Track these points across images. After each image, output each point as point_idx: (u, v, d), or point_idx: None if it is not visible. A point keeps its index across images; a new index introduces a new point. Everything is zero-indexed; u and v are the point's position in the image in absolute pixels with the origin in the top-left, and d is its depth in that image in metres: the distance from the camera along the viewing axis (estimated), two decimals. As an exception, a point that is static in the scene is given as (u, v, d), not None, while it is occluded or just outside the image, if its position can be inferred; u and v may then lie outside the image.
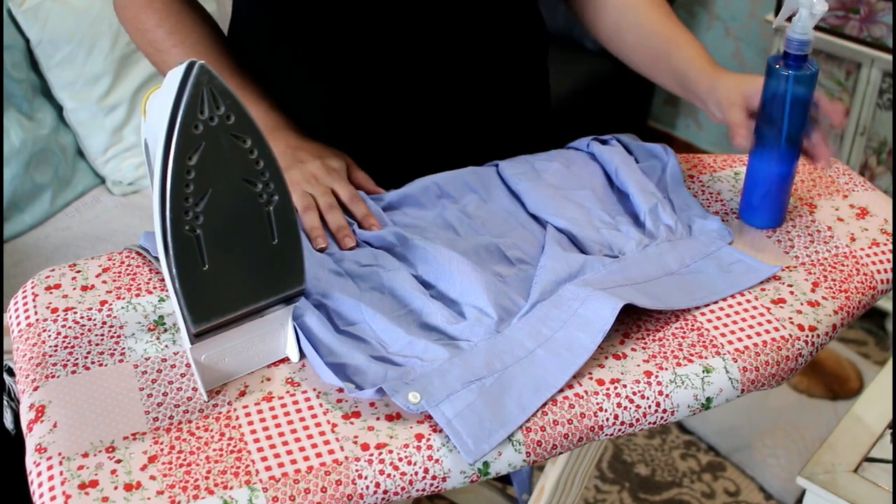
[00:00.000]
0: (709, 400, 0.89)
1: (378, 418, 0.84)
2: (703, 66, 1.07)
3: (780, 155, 1.02)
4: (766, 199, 1.05)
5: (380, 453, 0.81)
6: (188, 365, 0.89)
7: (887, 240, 1.07)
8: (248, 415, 0.84)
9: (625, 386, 0.88)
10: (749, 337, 0.93)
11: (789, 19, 0.99)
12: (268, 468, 0.79)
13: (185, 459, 0.80)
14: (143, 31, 1.11)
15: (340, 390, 0.86)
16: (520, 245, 1.03)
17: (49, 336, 0.92)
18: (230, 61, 1.10)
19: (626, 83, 2.72)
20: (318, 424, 0.83)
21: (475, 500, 1.64)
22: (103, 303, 0.95)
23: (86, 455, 0.80)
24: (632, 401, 0.87)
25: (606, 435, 0.87)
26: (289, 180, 0.96)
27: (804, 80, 0.98)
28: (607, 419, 0.86)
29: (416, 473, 0.81)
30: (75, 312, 0.94)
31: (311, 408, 0.85)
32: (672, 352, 0.91)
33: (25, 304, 0.96)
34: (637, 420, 0.87)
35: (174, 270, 0.78)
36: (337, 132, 1.14)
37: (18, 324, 0.95)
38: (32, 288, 0.97)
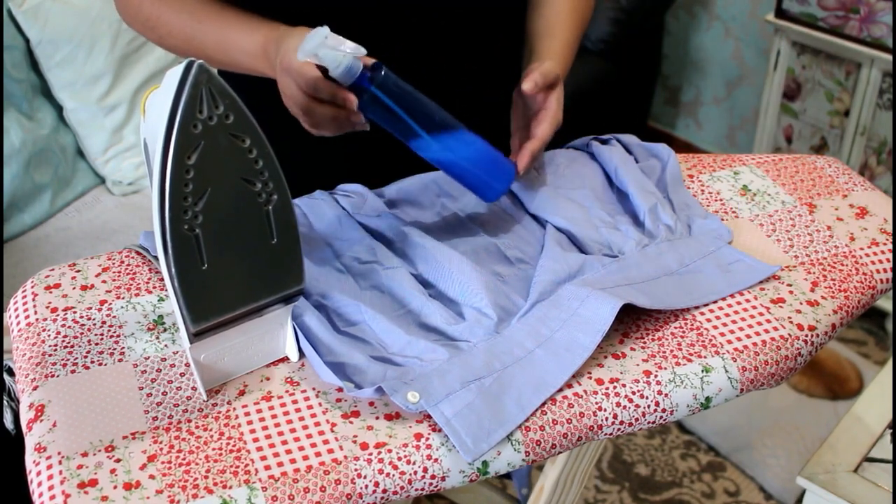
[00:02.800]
0: (708, 399, 0.89)
1: (377, 418, 0.84)
2: (543, 52, 1.11)
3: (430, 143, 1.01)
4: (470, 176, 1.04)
5: (379, 452, 0.81)
6: (187, 364, 0.89)
7: (887, 239, 1.07)
8: (247, 414, 0.84)
9: (624, 385, 0.88)
10: (748, 336, 0.93)
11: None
12: (267, 467, 0.79)
13: (184, 459, 0.80)
14: (136, 15, 1.10)
15: (340, 390, 0.86)
16: (519, 245, 1.03)
17: (49, 335, 0.92)
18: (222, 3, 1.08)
19: (626, 83, 2.72)
20: (317, 424, 0.83)
21: (475, 500, 1.64)
22: (103, 302, 0.95)
23: (85, 454, 0.80)
24: (631, 400, 0.87)
25: (605, 434, 0.87)
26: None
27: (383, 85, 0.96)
28: (606, 419, 0.86)
29: (416, 473, 0.81)
30: (75, 312, 0.94)
31: (310, 407, 0.85)
32: (671, 351, 0.91)
33: (25, 303, 0.96)
34: (636, 419, 0.87)
35: (173, 270, 0.78)
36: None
37: (18, 323, 0.95)
38: (32, 287, 0.97)
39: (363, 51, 0.93)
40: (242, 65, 1.04)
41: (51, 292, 0.97)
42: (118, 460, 0.80)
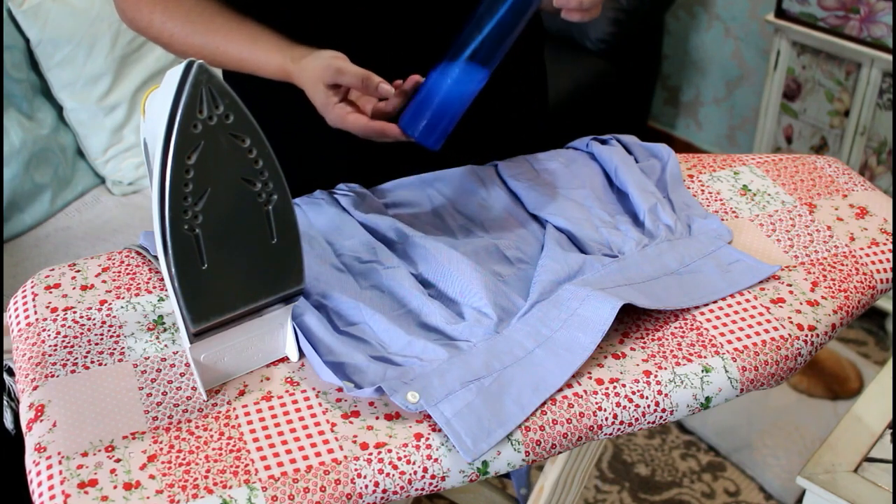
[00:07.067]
0: (708, 399, 0.89)
1: (377, 418, 0.84)
2: None
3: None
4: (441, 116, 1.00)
5: (379, 452, 0.81)
6: (187, 364, 0.89)
7: (887, 239, 1.07)
8: (247, 414, 0.84)
9: (624, 385, 0.88)
10: (748, 336, 0.93)
11: None
12: (267, 467, 0.79)
13: (184, 459, 0.80)
14: (146, 29, 1.10)
15: (340, 389, 0.86)
16: (519, 245, 1.03)
17: (49, 335, 0.92)
18: (232, 14, 1.07)
19: (626, 83, 2.72)
20: (317, 424, 0.83)
21: (475, 500, 1.64)
22: (103, 302, 0.95)
23: (85, 454, 0.80)
24: (631, 400, 0.87)
25: (605, 434, 0.87)
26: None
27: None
28: (606, 419, 0.86)
29: (416, 472, 0.81)
30: (75, 312, 0.94)
31: (310, 407, 0.85)
32: (671, 351, 0.91)
33: (25, 303, 0.96)
34: (636, 419, 0.87)
35: (173, 270, 0.78)
36: (335, 130, 1.14)
37: (18, 323, 0.95)
38: (32, 287, 0.97)
39: None
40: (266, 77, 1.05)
41: (51, 292, 0.97)
42: (118, 460, 0.80)
